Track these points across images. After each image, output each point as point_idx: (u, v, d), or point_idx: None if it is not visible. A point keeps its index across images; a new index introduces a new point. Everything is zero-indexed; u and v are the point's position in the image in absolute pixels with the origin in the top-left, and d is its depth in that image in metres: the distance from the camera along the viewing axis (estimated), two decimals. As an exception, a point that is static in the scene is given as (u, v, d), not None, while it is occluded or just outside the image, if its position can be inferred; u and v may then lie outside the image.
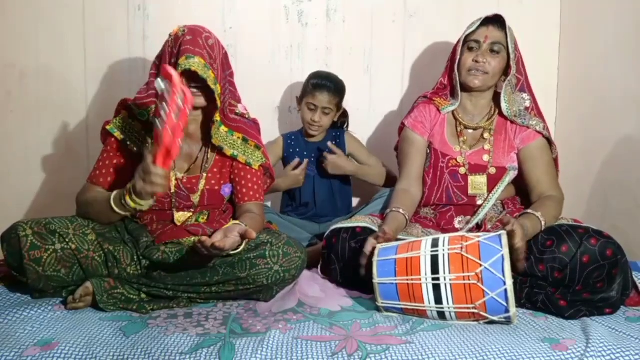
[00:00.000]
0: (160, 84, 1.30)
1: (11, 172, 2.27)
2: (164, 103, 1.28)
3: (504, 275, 1.29)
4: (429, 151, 1.84)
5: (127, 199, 1.40)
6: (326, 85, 2.08)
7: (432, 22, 2.35)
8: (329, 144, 2.11)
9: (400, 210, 1.69)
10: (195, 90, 1.50)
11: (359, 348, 1.21)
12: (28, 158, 2.27)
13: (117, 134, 1.58)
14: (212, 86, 1.47)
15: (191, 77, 1.47)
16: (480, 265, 1.31)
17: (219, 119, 1.56)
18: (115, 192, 1.45)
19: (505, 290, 1.28)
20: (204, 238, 1.33)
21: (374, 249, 1.47)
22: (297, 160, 2.11)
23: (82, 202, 1.56)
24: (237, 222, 1.50)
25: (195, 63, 1.44)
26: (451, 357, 1.18)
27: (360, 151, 2.22)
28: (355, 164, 2.18)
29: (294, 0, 2.34)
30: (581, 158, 2.14)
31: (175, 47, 1.49)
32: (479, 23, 1.74)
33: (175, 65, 1.45)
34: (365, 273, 1.50)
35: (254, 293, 1.51)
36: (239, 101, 1.70)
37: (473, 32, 1.74)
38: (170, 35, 1.55)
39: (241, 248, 1.44)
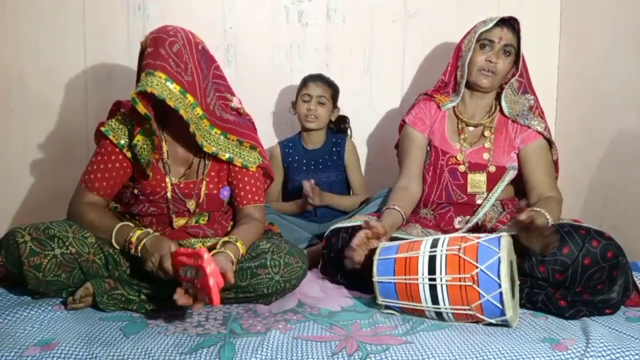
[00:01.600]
0: (200, 272, 1.26)
1: (11, 172, 2.26)
2: (194, 284, 1.27)
3: (499, 278, 1.28)
4: (429, 148, 1.84)
5: (132, 250, 1.40)
6: (319, 77, 2.14)
7: (432, 22, 2.35)
8: (306, 183, 2.01)
9: (396, 207, 1.69)
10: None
11: (359, 348, 1.21)
12: (28, 158, 2.27)
13: (112, 136, 1.52)
14: (173, 104, 1.39)
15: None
16: (476, 267, 1.31)
17: (200, 126, 1.49)
18: (117, 228, 1.43)
19: (501, 293, 1.28)
20: (181, 301, 1.28)
21: (375, 248, 1.48)
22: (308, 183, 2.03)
23: (77, 215, 1.50)
24: (228, 238, 1.47)
25: (154, 82, 1.37)
26: (451, 357, 1.18)
27: (353, 167, 2.19)
28: (328, 199, 2.09)
29: (294, 0, 2.34)
30: (581, 158, 2.14)
31: (141, 61, 1.46)
32: (493, 23, 1.72)
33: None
34: (350, 266, 1.50)
35: (253, 299, 1.50)
36: (232, 93, 1.66)
37: (487, 30, 1.72)
38: (140, 46, 1.51)
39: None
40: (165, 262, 1.32)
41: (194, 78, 1.45)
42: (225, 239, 1.48)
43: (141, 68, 1.45)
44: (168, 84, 1.39)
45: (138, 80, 1.50)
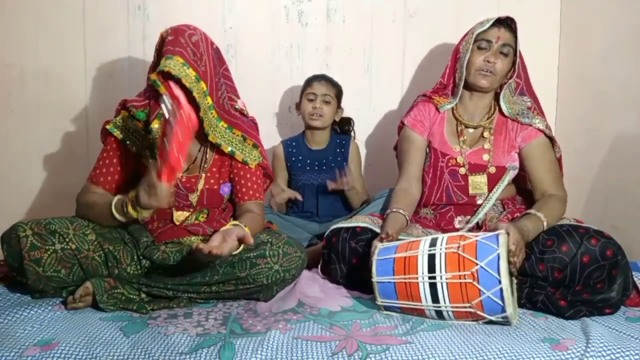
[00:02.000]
0: (166, 103, 1.31)
1: (11, 172, 2.27)
2: (169, 121, 1.30)
3: (499, 275, 1.28)
4: (428, 150, 1.84)
5: (130, 208, 1.40)
6: (323, 77, 2.15)
7: (432, 22, 2.35)
8: (330, 184, 2.06)
9: (401, 211, 1.69)
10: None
11: (359, 348, 1.21)
12: (28, 158, 2.27)
13: (117, 133, 1.57)
14: (188, 85, 1.46)
15: (172, 77, 1.46)
16: (476, 264, 1.31)
17: (208, 115, 1.54)
18: (116, 199, 1.46)
19: (501, 289, 1.28)
20: (201, 245, 1.33)
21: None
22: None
23: (82, 203, 1.56)
24: (237, 222, 1.50)
25: (171, 64, 1.44)
26: (451, 357, 1.18)
27: (355, 166, 2.19)
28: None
29: (294, 0, 2.34)
30: (581, 158, 2.14)
31: (160, 49, 1.52)
32: (490, 23, 1.72)
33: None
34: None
35: (254, 292, 1.51)
36: (237, 95, 1.70)
37: (485, 31, 1.72)
38: (159, 36, 1.56)
39: (239, 250, 1.44)
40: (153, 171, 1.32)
41: (207, 69, 1.52)
42: (234, 222, 1.49)
43: (160, 55, 1.51)
44: (185, 68, 1.46)
45: (154, 69, 1.55)
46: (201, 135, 1.61)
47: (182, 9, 2.28)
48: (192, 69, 1.47)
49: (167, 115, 1.32)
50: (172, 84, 1.36)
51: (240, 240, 1.40)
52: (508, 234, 1.38)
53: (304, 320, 1.39)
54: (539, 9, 2.35)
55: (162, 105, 1.36)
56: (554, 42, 2.37)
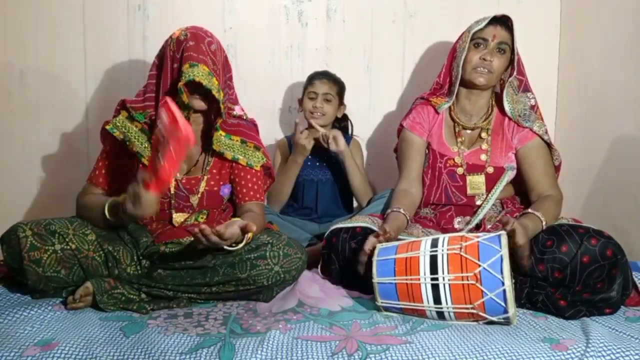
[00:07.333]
0: (162, 117, 1.29)
1: (11, 173, 2.27)
2: (163, 136, 1.28)
3: (502, 276, 1.28)
4: (427, 151, 1.84)
5: (121, 213, 1.40)
6: (325, 74, 2.15)
7: (432, 22, 2.35)
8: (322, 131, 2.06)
9: (401, 210, 1.69)
10: (197, 96, 1.52)
11: (359, 348, 1.21)
12: (28, 158, 2.27)
13: (117, 134, 1.57)
14: (217, 95, 1.48)
15: (194, 85, 1.47)
16: (479, 266, 1.31)
17: (219, 124, 1.58)
18: (109, 201, 1.46)
19: (504, 291, 1.28)
20: (203, 226, 1.33)
21: (374, 248, 1.48)
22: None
23: (80, 205, 1.57)
24: (237, 219, 1.49)
25: (200, 72, 1.45)
26: (451, 357, 1.18)
27: (356, 156, 2.18)
28: (347, 153, 2.07)
29: (294, 0, 2.34)
30: (581, 158, 2.14)
31: (178, 52, 1.51)
32: (486, 22, 1.73)
33: (179, 71, 1.47)
34: (364, 272, 1.50)
35: (254, 293, 1.51)
36: (235, 102, 1.71)
37: (481, 29, 1.73)
38: (171, 38, 1.55)
39: (241, 245, 1.44)
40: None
41: (220, 80, 1.53)
42: (235, 219, 1.48)
43: (173, 58, 1.52)
44: (210, 77, 1.47)
45: (157, 68, 1.56)
46: (202, 138, 1.62)
47: (182, 9, 2.28)
48: (215, 78, 1.48)
49: (162, 130, 1.30)
50: (168, 99, 1.34)
51: (243, 230, 1.39)
52: (513, 230, 1.38)
53: (304, 320, 1.39)
54: (539, 9, 2.35)
55: (158, 121, 1.34)
56: (554, 42, 2.37)
